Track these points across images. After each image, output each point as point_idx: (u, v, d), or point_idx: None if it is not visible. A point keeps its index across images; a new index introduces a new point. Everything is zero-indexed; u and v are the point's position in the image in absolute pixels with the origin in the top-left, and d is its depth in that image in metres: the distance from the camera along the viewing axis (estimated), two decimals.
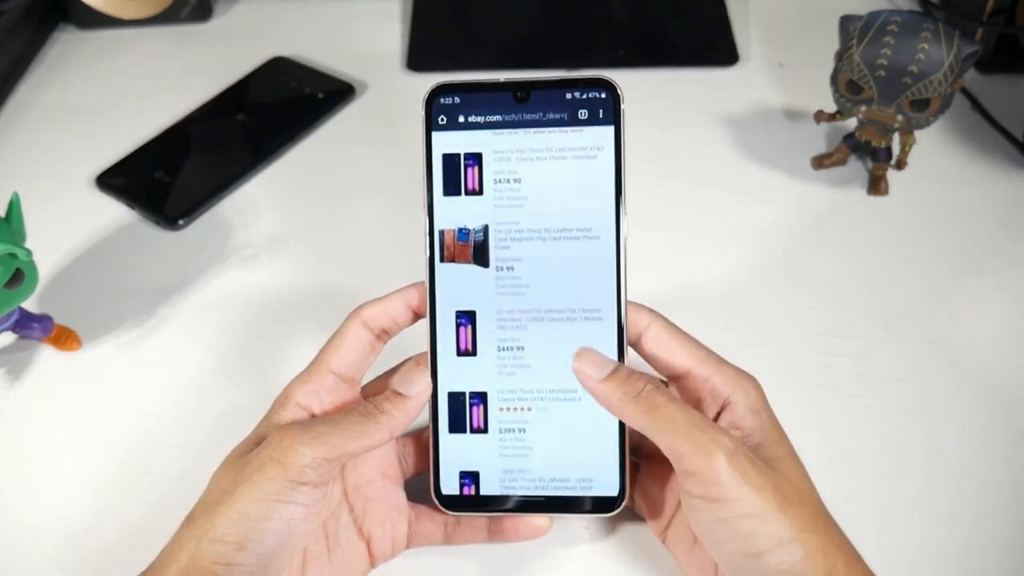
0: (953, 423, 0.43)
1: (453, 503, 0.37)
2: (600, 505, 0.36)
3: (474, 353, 0.36)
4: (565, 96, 0.35)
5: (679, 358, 0.35)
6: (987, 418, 0.43)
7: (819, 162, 0.57)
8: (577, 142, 0.35)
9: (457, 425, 0.36)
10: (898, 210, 0.54)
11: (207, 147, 0.60)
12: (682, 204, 0.55)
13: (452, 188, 0.36)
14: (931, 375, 0.45)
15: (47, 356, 0.48)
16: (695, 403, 0.35)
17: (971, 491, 0.40)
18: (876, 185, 0.55)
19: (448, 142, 0.36)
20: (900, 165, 0.54)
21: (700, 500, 0.31)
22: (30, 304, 0.48)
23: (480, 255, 0.36)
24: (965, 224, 0.53)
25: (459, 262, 0.36)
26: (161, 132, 0.61)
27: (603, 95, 0.35)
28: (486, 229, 0.36)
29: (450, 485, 0.36)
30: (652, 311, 0.36)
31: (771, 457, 0.33)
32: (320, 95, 0.63)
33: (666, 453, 0.33)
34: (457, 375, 0.36)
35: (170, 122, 0.62)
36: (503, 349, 0.36)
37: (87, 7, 0.70)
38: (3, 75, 0.65)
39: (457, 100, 0.35)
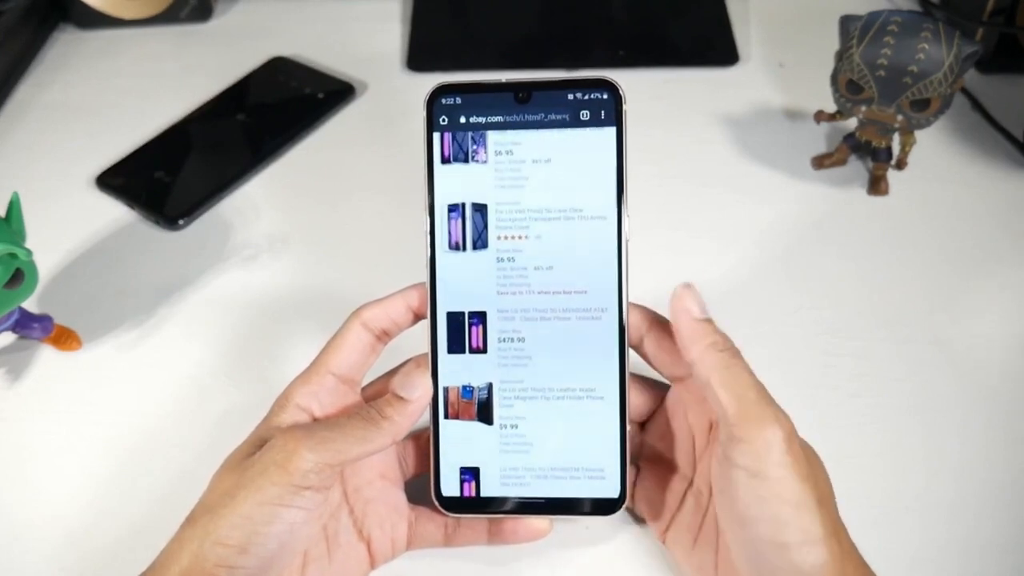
0: (953, 423, 0.43)
1: (453, 504, 0.37)
2: (600, 507, 0.36)
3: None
4: (567, 97, 0.35)
5: (680, 360, 0.35)
6: (987, 418, 0.43)
7: (819, 162, 0.57)
8: (578, 143, 0.35)
9: None
10: (898, 210, 0.54)
11: (207, 147, 0.60)
12: (682, 204, 0.55)
13: (456, 346, 0.36)
14: (931, 375, 0.45)
15: (47, 356, 0.48)
16: (698, 403, 0.35)
17: (971, 491, 0.40)
18: (876, 185, 0.55)
19: (451, 300, 0.36)
20: (900, 165, 0.54)
21: (742, 472, 0.30)
22: (30, 304, 0.48)
23: (484, 413, 0.36)
24: (965, 224, 0.53)
25: (463, 419, 0.36)
26: (161, 132, 0.61)
27: (605, 96, 0.35)
28: (490, 387, 0.36)
29: (450, 486, 0.36)
30: (653, 313, 0.36)
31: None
32: (320, 95, 0.63)
33: (721, 414, 0.32)
34: None
35: (170, 122, 0.62)
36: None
37: (87, 7, 0.70)
38: (3, 75, 0.65)
39: (458, 101, 0.35)
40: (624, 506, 0.36)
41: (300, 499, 0.32)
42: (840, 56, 0.52)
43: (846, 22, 0.51)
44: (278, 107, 0.63)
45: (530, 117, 0.35)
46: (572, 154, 0.35)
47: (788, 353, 0.47)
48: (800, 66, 0.65)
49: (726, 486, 0.32)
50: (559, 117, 0.35)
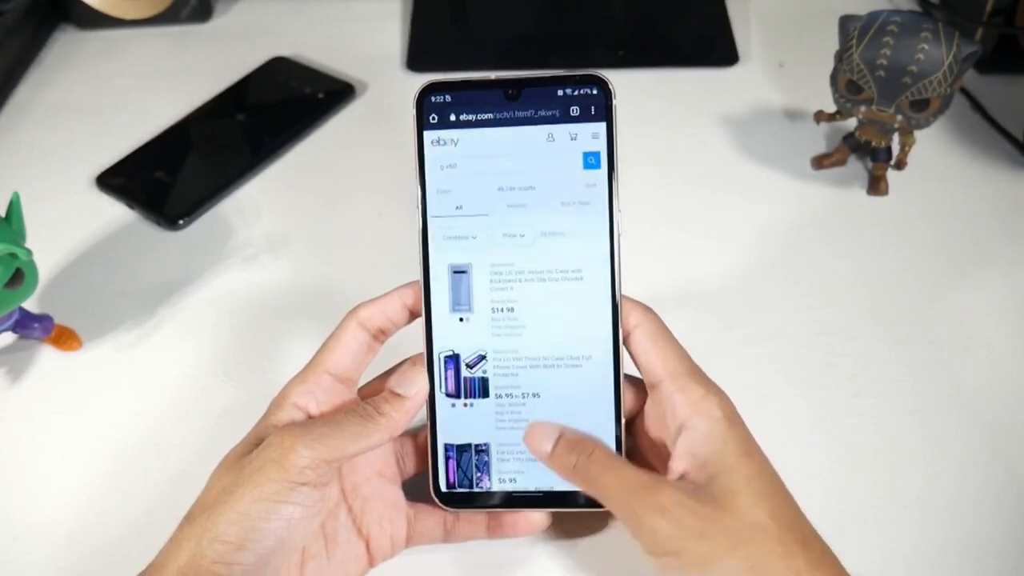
0: (953, 423, 0.43)
1: (452, 500, 0.37)
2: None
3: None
4: (556, 93, 0.35)
5: (654, 369, 0.35)
6: (987, 418, 0.43)
7: (819, 162, 0.57)
8: (569, 138, 0.35)
9: None
10: (898, 210, 0.54)
11: (207, 147, 0.60)
12: (682, 204, 0.55)
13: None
14: (930, 375, 0.45)
15: (47, 356, 0.48)
16: (660, 416, 0.35)
17: (971, 491, 0.40)
18: (876, 185, 0.55)
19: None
20: (900, 165, 0.54)
21: (651, 556, 0.32)
22: (30, 304, 0.48)
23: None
24: (965, 224, 0.53)
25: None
26: (161, 132, 0.61)
27: (594, 91, 0.35)
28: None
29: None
30: (645, 310, 0.36)
31: (724, 491, 0.31)
32: (320, 95, 0.63)
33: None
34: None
35: (170, 122, 0.62)
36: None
37: (87, 7, 0.69)
38: (3, 75, 0.65)
39: (448, 99, 0.35)
40: None
41: (297, 495, 0.32)
42: (840, 56, 0.52)
43: (846, 22, 0.51)
44: (278, 107, 0.63)
45: (520, 114, 0.35)
46: None
47: (788, 353, 0.47)
48: (800, 66, 0.65)
49: (648, 565, 0.33)
50: (549, 113, 0.35)
